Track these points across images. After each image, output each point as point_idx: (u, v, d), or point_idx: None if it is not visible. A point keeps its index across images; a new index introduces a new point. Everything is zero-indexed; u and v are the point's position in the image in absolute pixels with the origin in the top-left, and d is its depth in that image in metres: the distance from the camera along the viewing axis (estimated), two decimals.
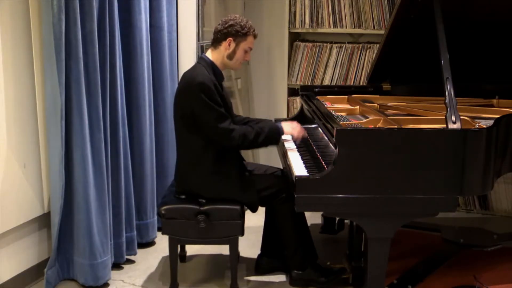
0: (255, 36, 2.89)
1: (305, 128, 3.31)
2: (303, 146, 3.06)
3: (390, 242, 2.49)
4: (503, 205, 3.99)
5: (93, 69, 2.79)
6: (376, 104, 3.28)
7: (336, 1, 4.21)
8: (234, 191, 2.82)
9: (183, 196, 2.88)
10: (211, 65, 2.85)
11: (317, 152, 2.84)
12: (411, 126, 2.74)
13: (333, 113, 3.02)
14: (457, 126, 2.45)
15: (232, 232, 2.81)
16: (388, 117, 2.82)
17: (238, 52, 2.85)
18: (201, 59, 2.90)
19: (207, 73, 2.79)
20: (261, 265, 3.12)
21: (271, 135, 2.87)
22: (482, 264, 3.19)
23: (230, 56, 2.85)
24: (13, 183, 2.72)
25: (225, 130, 2.74)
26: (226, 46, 2.83)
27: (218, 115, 2.73)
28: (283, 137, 3.00)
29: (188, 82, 2.77)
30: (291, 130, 2.95)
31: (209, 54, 2.89)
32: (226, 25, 2.82)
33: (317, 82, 4.33)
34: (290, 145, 3.04)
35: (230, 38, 2.81)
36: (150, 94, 3.38)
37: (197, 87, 2.71)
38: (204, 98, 2.69)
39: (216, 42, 2.87)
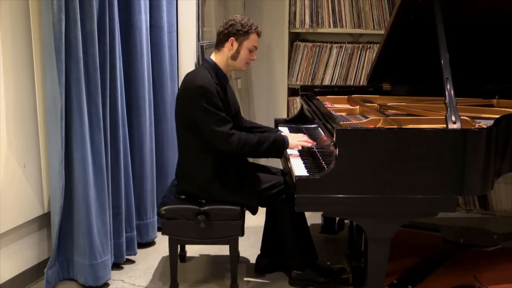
0: (258, 34, 2.84)
1: (305, 128, 3.31)
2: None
3: (390, 242, 2.49)
4: (503, 205, 3.99)
5: (93, 69, 2.79)
6: (376, 104, 3.28)
7: (336, 1, 4.21)
8: (233, 197, 2.82)
9: (183, 196, 2.88)
10: (214, 67, 2.83)
11: (317, 152, 2.84)
12: (411, 126, 2.74)
13: (333, 113, 3.02)
14: (457, 126, 2.45)
15: (232, 232, 2.81)
16: (388, 117, 2.82)
17: (242, 51, 2.81)
18: (205, 62, 2.88)
19: (209, 75, 2.76)
20: (261, 265, 3.12)
21: (275, 146, 2.78)
22: (482, 264, 3.19)
23: (234, 57, 2.82)
24: (13, 183, 2.71)
25: (223, 134, 2.68)
26: (229, 47, 2.80)
27: (217, 119, 2.68)
28: (288, 151, 2.87)
29: (188, 85, 2.76)
30: (296, 143, 2.83)
31: (213, 56, 2.87)
32: (227, 26, 2.80)
33: (317, 82, 4.33)
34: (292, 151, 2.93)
35: (232, 38, 2.78)
36: (150, 94, 3.38)
37: (196, 90, 2.69)
38: (202, 102, 2.66)
39: (219, 44, 2.84)
